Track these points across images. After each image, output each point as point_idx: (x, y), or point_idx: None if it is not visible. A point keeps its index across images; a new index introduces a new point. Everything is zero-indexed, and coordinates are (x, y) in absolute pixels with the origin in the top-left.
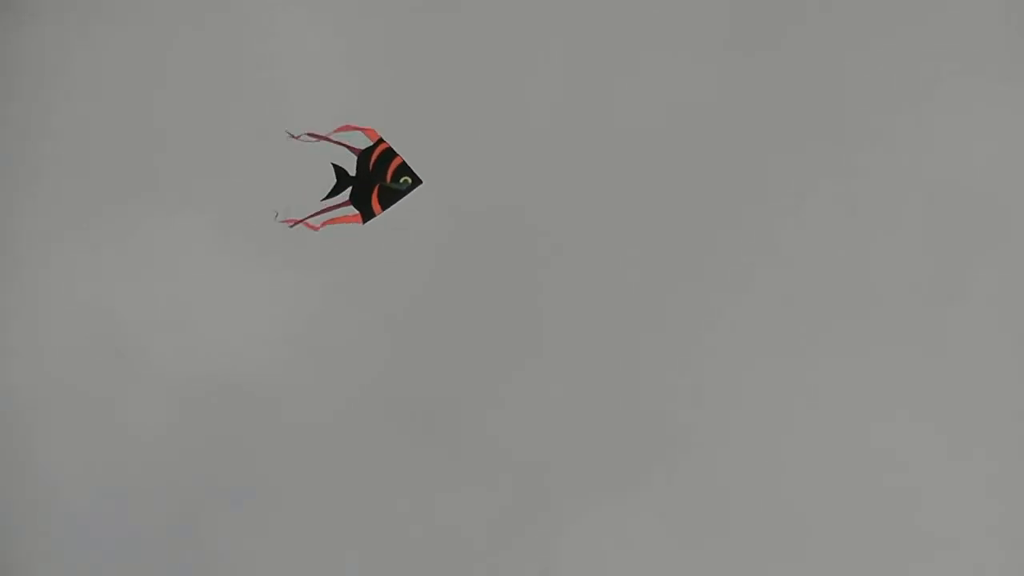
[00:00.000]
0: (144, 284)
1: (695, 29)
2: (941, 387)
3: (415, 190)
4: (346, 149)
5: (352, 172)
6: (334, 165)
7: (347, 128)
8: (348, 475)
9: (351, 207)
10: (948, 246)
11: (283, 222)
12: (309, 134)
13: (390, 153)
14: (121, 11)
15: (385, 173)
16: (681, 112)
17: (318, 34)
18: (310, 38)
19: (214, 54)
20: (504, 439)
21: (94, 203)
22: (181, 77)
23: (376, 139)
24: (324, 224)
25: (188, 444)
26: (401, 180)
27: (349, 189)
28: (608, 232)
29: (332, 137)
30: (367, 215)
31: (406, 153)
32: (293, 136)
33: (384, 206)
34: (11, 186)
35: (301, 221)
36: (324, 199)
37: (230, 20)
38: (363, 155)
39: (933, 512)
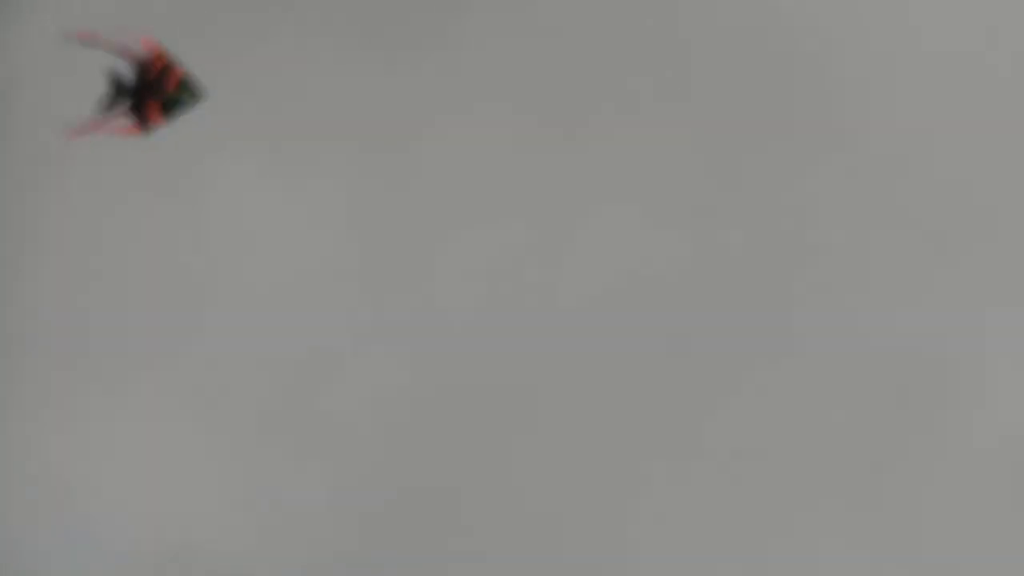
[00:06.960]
0: (103, 452)
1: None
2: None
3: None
4: (123, 58)
5: (130, 83)
6: (109, 75)
7: (123, 34)
8: None
9: (130, 118)
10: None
11: (68, 132)
12: (83, 35)
13: (171, 65)
14: (89, 179)
15: (166, 85)
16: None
17: (282, 202)
18: (273, 206)
19: (179, 223)
20: None
21: (48, 372)
22: (145, 249)
23: (153, 49)
24: (105, 131)
25: None
26: (184, 94)
27: (129, 101)
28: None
29: (107, 42)
30: (146, 128)
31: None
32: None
33: (168, 119)
34: None
35: (81, 133)
36: (103, 109)
37: (192, 191)
38: (142, 66)
39: None
